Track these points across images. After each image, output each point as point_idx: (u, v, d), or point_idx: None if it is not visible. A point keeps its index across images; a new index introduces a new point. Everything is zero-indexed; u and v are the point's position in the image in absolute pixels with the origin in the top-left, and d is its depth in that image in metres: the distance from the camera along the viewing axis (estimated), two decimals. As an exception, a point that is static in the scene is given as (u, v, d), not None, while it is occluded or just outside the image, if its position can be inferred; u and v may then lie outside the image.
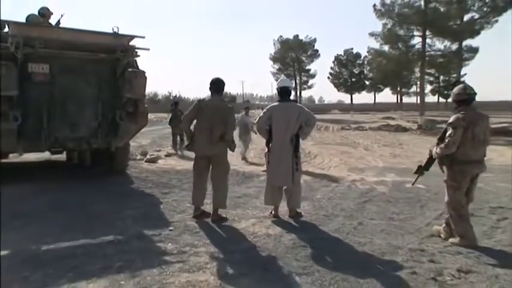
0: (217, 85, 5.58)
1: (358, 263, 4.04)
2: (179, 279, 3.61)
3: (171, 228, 5.09)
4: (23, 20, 7.68)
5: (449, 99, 4.92)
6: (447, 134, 4.56)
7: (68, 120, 7.53)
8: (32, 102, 7.07)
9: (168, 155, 12.28)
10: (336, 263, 4.01)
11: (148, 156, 11.34)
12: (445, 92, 67.00)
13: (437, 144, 4.72)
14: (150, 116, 10.41)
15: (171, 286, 3.47)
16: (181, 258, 4.12)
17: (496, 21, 38.04)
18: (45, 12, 8.31)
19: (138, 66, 8.13)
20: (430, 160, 4.94)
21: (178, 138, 13.67)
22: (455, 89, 4.67)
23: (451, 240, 4.69)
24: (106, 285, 3.47)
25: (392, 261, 4.11)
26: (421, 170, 5.09)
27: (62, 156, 10.35)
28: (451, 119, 4.58)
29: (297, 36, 70.21)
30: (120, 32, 7.76)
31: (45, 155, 9.58)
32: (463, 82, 4.98)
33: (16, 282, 3.50)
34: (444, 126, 4.76)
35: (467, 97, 4.58)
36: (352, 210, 6.09)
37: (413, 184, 5.63)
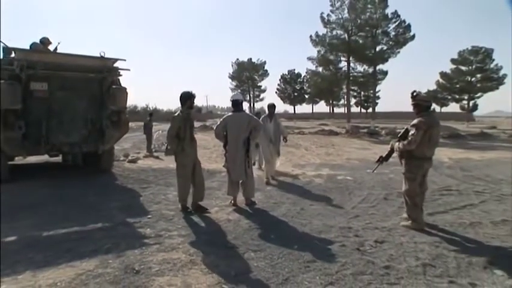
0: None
1: (301, 240, 4.11)
2: (157, 257, 3.57)
3: (149, 216, 5.01)
4: (27, 47, 7.64)
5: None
6: (410, 133, 4.37)
7: (63, 128, 7.43)
8: (34, 114, 6.99)
9: (146, 156, 11.98)
10: (283, 240, 4.06)
11: (129, 158, 11.00)
12: (365, 104, 69.28)
13: (399, 141, 4.54)
14: (131, 124, 10.18)
15: (150, 263, 3.42)
16: (158, 240, 4.06)
17: (399, 52, 40.75)
18: (45, 41, 8.23)
19: (120, 84, 8.08)
20: (391, 152, 4.77)
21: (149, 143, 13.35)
22: (422, 97, 4.52)
23: (402, 223, 4.65)
24: (97, 263, 3.40)
25: (327, 237, 4.20)
26: (381, 160, 4.89)
27: (58, 159, 9.97)
28: (415, 121, 4.38)
29: (251, 59, 70.03)
30: (106, 56, 7.78)
31: (45, 158, 9.23)
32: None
33: (22, 262, 3.43)
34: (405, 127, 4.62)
35: (430, 104, 4.55)
36: (295, 198, 6.15)
37: (373, 171, 5.44)
